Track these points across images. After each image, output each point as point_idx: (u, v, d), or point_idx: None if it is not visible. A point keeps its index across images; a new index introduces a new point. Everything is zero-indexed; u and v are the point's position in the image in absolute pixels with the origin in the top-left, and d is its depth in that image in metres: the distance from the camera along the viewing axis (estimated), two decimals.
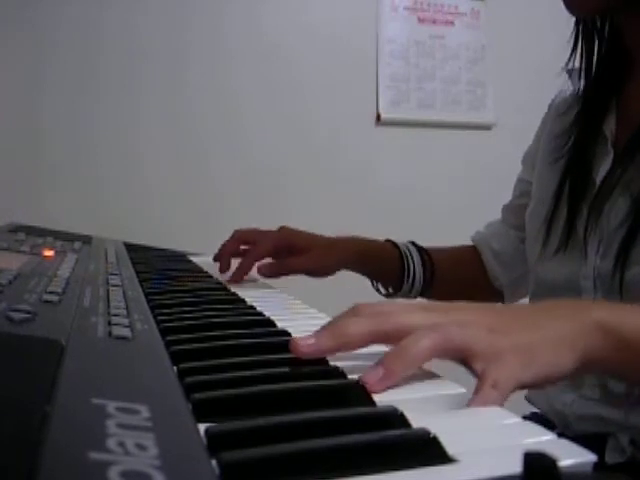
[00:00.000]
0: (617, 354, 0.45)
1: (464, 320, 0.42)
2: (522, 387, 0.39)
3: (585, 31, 0.77)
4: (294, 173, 1.93)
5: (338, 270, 0.88)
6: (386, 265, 0.91)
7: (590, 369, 0.46)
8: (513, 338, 0.40)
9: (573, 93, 0.82)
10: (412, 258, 0.91)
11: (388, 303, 0.45)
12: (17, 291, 0.48)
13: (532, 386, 0.41)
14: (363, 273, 0.92)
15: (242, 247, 0.87)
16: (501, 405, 0.36)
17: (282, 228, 0.87)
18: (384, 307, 0.43)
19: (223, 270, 0.83)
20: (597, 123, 0.75)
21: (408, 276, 0.90)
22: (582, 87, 0.79)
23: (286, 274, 0.84)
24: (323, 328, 0.42)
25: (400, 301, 0.54)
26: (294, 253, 0.84)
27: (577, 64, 0.79)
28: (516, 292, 0.92)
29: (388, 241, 0.93)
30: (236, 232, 0.87)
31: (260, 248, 0.83)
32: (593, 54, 0.77)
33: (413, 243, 0.94)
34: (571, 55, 0.79)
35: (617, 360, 0.45)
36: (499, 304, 0.45)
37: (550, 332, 0.42)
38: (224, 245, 0.85)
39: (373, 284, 0.94)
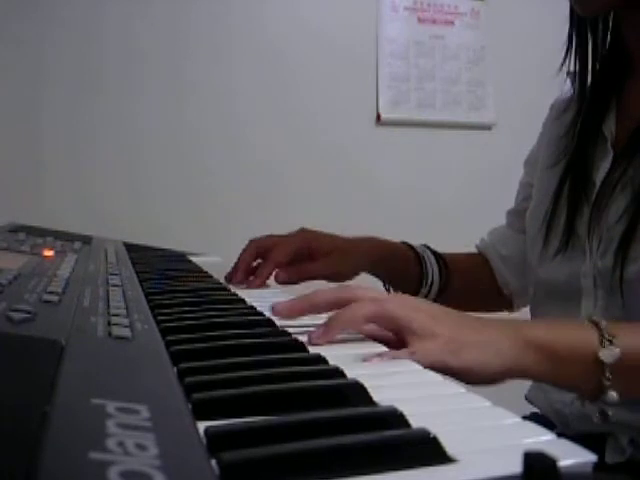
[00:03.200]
0: (548, 367, 0.51)
1: (412, 305, 0.50)
2: (447, 370, 0.45)
3: (580, 32, 0.78)
4: (294, 173, 1.93)
5: (356, 274, 0.85)
6: (405, 269, 0.88)
7: (520, 377, 0.52)
8: (450, 330, 0.48)
9: (572, 95, 0.82)
10: (430, 263, 0.89)
11: (369, 288, 0.53)
12: (17, 291, 0.48)
13: (456, 373, 0.47)
14: (381, 277, 0.89)
15: (257, 261, 0.81)
16: (416, 361, 0.43)
17: (302, 230, 0.83)
18: (347, 287, 0.53)
19: (239, 280, 0.78)
20: (597, 124, 0.76)
21: (426, 282, 0.88)
22: (578, 88, 0.79)
23: (304, 280, 0.80)
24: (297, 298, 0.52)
25: None
26: (314, 258, 0.81)
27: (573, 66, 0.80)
28: (526, 297, 0.88)
29: (404, 244, 0.91)
30: (251, 242, 0.82)
31: (280, 252, 0.79)
32: (588, 56, 0.78)
33: (428, 247, 0.91)
34: (565, 57, 0.79)
35: (549, 372, 0.52)
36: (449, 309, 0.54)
37: (483, 337, 0.49)
38: (240, 257, 0.80)
39: (385, 287, 0.90)
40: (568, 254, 0.75)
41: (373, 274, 0.88)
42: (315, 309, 0.52)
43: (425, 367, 0.43)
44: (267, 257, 0.79)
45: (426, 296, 0.88)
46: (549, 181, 0.80)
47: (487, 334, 0.50)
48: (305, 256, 0.81)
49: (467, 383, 0.46)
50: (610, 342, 0.52)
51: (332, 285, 0.75)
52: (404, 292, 0.89)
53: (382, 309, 0.48)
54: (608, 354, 0.52)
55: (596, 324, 0.53)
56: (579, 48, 0.78)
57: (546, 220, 0.78)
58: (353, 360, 0.43)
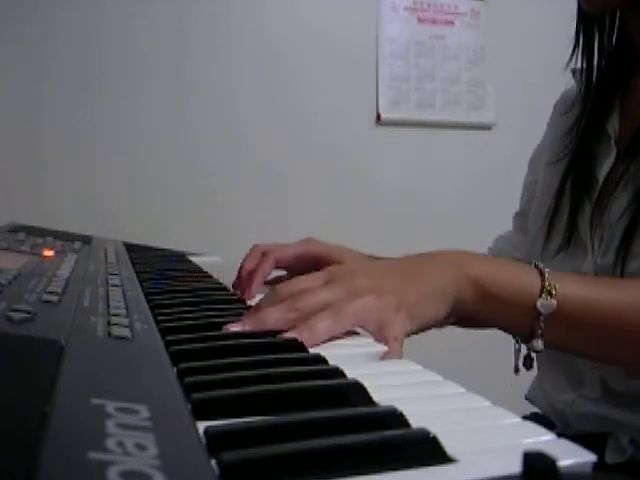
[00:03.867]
0: (485, 305, 0.52)
1: (358, 288, 0.50)
2: (408, 334, 0.49)
3: (587, 30, 0.77)
4: (294, 173, 1.93)
5: None
6: None
7: (461, 315, 0.54)
8: (399, 298, 0.49)
9: (576, 92, 0.82)
10: None
11: (299, 281, 0.53)
12: (17, 291, 0.48)
13: (415, 332, 0.50)
14: None
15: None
16: (400, 354, 0.45)
17: (308, 239, 0.78)
18: (296, 287, 0.52)
19: (244, 287, 0.71)
20: (601, 121, 0.76)
21: None
22: (584, 85, 0.79)
23: None
24: (249, 313, 0.51)
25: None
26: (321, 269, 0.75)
27: (579, 63, 0.79)
28: None
29: None
30: (255, 246, 0.77)
31: (282, 251, 0.75)
32: (594, 53, 0.78)
33: None
34: (572, 54, 0.79)
35: (485, 310, 0.53)
36: (391, 259, 0.56)
37: (429, 285, 0.51)
38: (244, 261, 0.75)
39: None
40: (570, 252, 0.75)
41: None
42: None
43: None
44: (266, 257, 0.75)
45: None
46: (552, 178, 0.80)
47: (430, 279, 0.51)
48: (311, 266, 0.74)
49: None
50: (549, 293, 0.53)
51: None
52: None
53: (342, 324, 0.48)
54: (545, 304, 0.53)
55: (541, 272, 0.54)
56: (586, 46, 0.77)
57: (548, 217, 0.78)
58: (353, 360, 0.43)
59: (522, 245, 0.89)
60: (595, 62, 0.78)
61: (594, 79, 0.78)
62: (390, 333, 0.47)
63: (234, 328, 0.48)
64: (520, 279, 0.54)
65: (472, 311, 0.53)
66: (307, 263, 0.75)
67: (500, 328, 0.57)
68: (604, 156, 0.74)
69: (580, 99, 0.80)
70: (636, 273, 0.66)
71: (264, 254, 0.75)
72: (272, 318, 0.49)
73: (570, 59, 0.79)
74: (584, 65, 0.78)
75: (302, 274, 0.70)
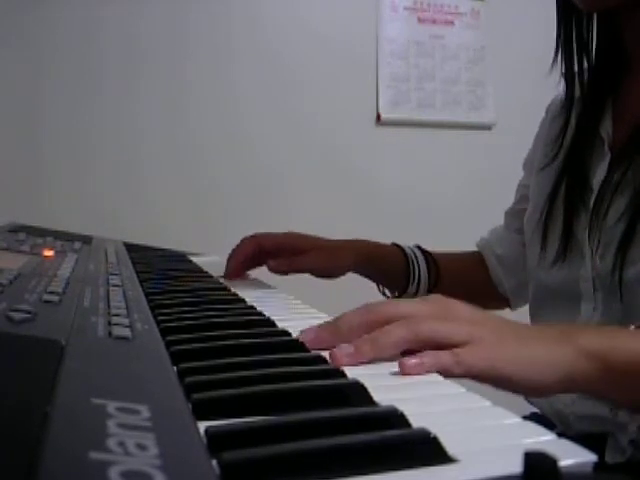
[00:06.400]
0: (602, 378, 0.46)
1: (447, 312, 0.45)
2: (491, 379, 0.42)
3: (567, 33, 0.77)
4: (294, 173, 1.93)
5: (344, 273, 0.88)
6: (392, 268, 0.91)
7: (575, 390, 0.48)
8: (492, 336, 0.43)
9: (566, 96, 0.81)
10: (417, 262, 0.91)
11: (399, 302, 0.48)
12: (17, 291, 0.48)
13: (494, 380, 0.42)
14: (368, 276, 0.92)
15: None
16: (461, 372, 0.40)
17: (288, 232, 0.88)
18: (375, 305, 0.46)
19: (233, 271, 0.84)
20: (593, 125, 0.75)
21: (413, 280, 0.90)
22: (571, 90, 0.78)
23: (293, 272, 0.84)
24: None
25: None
26: (298, 254, 0.85)
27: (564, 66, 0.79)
28: (520, 297, 0.91)
29: (394, 245, 0.93)
30: (244, 238, 0.87)
31: (265, 235, 0.86)
32: (574, 56, 0.77)
33: (419, 247, 0.94)
34: (555, 58, 0.78)
35: (602, 383, 0.47)
36: (492, 313, 0.50)
37: (526, 351, 0.44)
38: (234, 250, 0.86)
39: (379, 287, 0.94)
40: (567, 258, 0.74)
41: (361, 273, 0.91)
42: (340, 338, 0.44)
43: (473, 377, 0.41)
44: (251, 237, 0.86)
45: (415, 294, 0.91)
46: (544, 184, 0.80)
47: (532, 347, 0.45)
48: (289, 252, 0.85)
49: (513, 392, 0.44)
50: None
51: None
52: (392, 290, 0.93)
53: (414, 334, 0.43)
54: None
55: None
56: (565, 49, 0.77)
57: (542, 222, 0.78)
58: None
59: (505, 242, 0.92)
60: (585, 64, 0.77)
61: (585, 82, 0.77)
62: (459, 353, 0.41)
63: (306, 335, 0.45)
64: (637, 343, 0.48)
65: (585, 382, 0.46)
66: (287, 249, 0.85)
67: (616, 401, 0.52)
68: (598, 160, 0.73)
69: (569, 102, 0.79)
70: (634, 279, 0.66)
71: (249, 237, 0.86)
72: (347, 322, 0.45)
73: (553, 62, 0.78)
74: (564, 69, 0.78)
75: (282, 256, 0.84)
